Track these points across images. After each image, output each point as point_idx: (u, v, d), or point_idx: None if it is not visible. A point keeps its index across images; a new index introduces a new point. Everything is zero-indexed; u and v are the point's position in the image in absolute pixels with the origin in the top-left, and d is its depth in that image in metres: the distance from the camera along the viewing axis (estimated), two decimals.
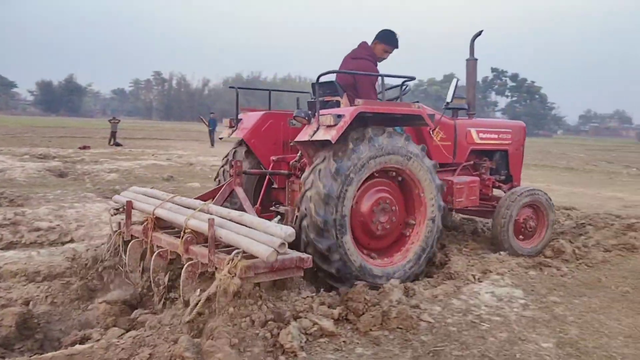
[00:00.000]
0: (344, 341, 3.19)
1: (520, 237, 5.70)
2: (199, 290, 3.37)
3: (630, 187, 14.34)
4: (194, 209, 4.07)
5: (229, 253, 3.40)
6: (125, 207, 4.53)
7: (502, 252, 5.35)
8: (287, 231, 3.38)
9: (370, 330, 3.34)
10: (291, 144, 5.27)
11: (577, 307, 4.06)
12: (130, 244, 4.37)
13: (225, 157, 5.78)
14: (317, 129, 4.21)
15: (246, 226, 3.61)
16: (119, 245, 4.54)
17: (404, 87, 5.49)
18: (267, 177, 5.30)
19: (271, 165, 5.28)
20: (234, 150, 5.74)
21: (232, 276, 3.20)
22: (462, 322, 3.65)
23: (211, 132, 26.54)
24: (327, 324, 3.23)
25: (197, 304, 3.24)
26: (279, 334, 3.03)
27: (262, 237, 3.39)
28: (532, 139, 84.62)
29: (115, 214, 4.84)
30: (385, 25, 6.11)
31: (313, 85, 4.97)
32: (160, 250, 4.06)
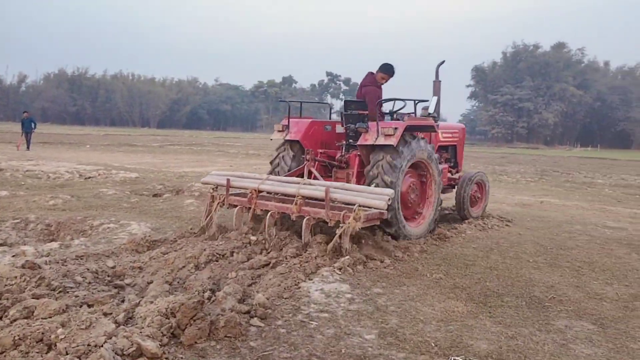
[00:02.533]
0: (166, 358, 2.97)
1: (471, 205, 8.06)
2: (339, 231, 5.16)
3: None
4: (295, 183, 5.91)
5: (335, 210, 5.43)
6: (216, 186, 6.49)
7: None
8: (389, 191, 5.38)
9: (196, 342, 3.17)
10: (337, 144, 7.26)
11: (397, 297, 4.33)
12: (236, 209, 6.12)
13: (276, 156, 7.38)
14: (378, 136, 6.14)
15: (352, 191, 5.55)
16: (212, 211, 6.29)
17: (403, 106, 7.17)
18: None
19: (318, 156, 7.04)
20: (282, 150, 7.35)
21: (356, 221, 5.10)
22: (292, 322, 3.66)
23: (27, 134, 23.60)
24: (151, 345, 2.97)
25: (335, 242, 5.17)
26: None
27: (371, 196, 5.33)
28: None
29: (214, 191, 6.47)
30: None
31: (346, 102, 7.20)
32: (271, 211, 5.78)
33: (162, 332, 3.16)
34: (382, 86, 7.18)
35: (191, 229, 6.57)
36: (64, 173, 12.77)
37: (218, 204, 6.36)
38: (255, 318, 3.62)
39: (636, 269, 5.63)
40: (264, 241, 5.72)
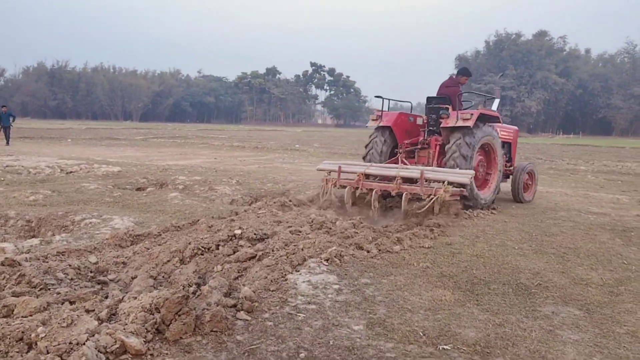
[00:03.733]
0: (151, 354, 2.91)
1: (524, 190, 9.47)
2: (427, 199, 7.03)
3: None
4: (394, 168, 7.85)
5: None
6: (329, 171, 8.33)
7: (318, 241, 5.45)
8: (471, 171, 7.37)
9: (181, 338, 3.10)
10: (421, 129, 9.13)
11: (384, 287, 4.31)
12: (346, 188, 7.91)
13: (370, 142, 9.13)
14: (457, 120, 7.92)
15: (441, 172, 7.41)
16: (328, 191, 8.09)
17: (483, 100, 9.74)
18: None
19: (404, 146, 8.86)
20: (375, 135, 9.08)
21: (445, 194, 6.90)
22: (279, 315, 3.62)
23: (6, 129, 23.11)
24: (135, 342, 2.90)
25: (425, 206, 6.98)
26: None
27: (457, 174, 7.22)
28: (349, 130, 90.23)
29: (328, 175, 8.31)
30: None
31: (429, 98, 8.99)
32: (375, 189, 7.53)
33: (146, 328, 3.09)
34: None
35: (176, 222, 6.49)
36: (45, 168, 12.54)
37: (332, 185, 8.19)
38: (242, 312, 3.57)
39: (620, 254, 5.68)
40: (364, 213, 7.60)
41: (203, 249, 5.33)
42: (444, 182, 7.09)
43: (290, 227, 6.15)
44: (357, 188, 7.86)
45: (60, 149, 20.77)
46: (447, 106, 8.48)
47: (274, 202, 7.78)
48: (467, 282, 4.56)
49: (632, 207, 9.41)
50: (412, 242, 5.80)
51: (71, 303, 3.69)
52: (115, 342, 2.86)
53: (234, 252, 5.25)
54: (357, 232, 6.01)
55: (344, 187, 8.02)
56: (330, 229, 6.24)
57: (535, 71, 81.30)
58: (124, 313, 3.31)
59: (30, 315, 3.29)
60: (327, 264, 4.74)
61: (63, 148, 21.75)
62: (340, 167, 8.20)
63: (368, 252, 5.28)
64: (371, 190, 7.64)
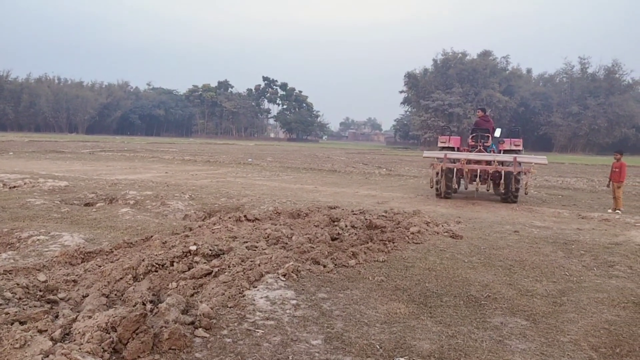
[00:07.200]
0: None
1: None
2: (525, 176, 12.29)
3: (381, 185, 16.37)
4: (493, 154, 12.56)
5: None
6: (437, 158, 12.65)
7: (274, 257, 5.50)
8: (545, 157, 13.28)
9: (139, 357, 3.06)
10: (472, 150, 13.48)
11: (341, 301, 4.39)
12: (454, 170, 12.41)
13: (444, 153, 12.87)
14: (511, 145, 12.95)
15: (528, 157, 12.66)
16: (437, 173, 12.44)
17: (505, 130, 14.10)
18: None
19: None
20: (446, 150, 12.96)
21: (533, 171, 12.24)
22: (238, 331, 3.62)
23: None
24: None
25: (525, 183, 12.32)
26: None
27: (538, 159, 12.62)
28: (301, 144, 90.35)
29: (435, 160, 12.60)
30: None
31: (473, 129, 13.85)
32: (478, 171, 12.16)
33: (102, 348, 3.04)
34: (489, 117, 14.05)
35: (128, 238, 6.36)
36: None
37: (440, 168, 12.19)
38: (200, 329, 3.56)
39: (562, 266, 5.99)
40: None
41: (157, 266, 5.25)
42: (531, 163, 11.99)
43: (246, 242, 6.16)
44: (459, 170, 12.17)
45: (1, 163, 19.86)
46: (488, 135, 13.19)
47: (229, 217, 7.75)
48: (421, 295, 4.70)
49: (572, 220, 9.92)
50: (366, 256, 5.92)
51: (22, 323, 3.57)
52: None
53: (189, 269, 5.20)
54: (313, 247, 6.07)
55: (450, 169, 12.26)
56: (287, 244, 6.29)
57: (481, 89, 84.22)
58: (79, 333, 3.24)
59: None
60: (284, 279, 4.78)
61: (4, 161, 20.79)
62: (446, 154, 12.29)
63: (324, 266, 5.35)
64: (470, 171, 12.19)
